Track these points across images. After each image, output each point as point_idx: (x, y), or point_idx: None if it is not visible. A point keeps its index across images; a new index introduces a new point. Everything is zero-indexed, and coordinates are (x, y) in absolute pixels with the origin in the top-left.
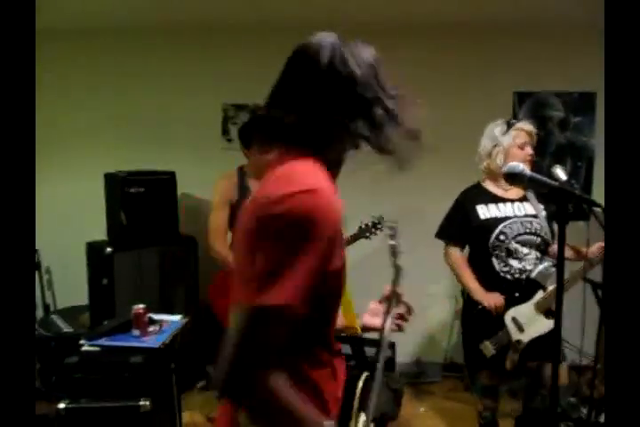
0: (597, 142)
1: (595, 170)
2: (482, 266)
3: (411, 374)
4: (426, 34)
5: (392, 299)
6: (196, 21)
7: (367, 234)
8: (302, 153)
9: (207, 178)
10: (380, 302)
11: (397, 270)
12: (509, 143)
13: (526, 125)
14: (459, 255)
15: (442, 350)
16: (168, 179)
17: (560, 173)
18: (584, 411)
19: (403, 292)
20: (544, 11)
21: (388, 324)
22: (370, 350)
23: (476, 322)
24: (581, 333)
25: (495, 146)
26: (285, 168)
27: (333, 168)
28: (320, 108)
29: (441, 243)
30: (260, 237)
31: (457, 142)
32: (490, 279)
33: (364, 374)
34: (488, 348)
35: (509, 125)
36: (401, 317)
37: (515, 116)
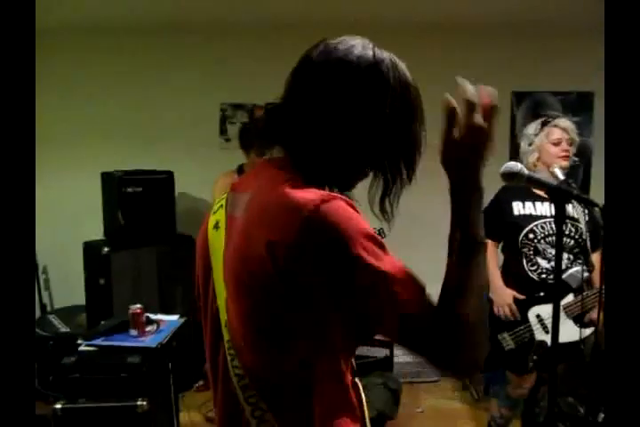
0: (595, 142)
1: (593, 169)
2: (510, 263)
3: (409, 373)
4: (423, 33)
5: None
6: (194, 21)
7: None
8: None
9: (205, 177)
10: None
11: None
12: (542, 141)
13: (562, 122)
14: (491, 250)
15: None
16: (165, 178)
17: (558, 172)
18: (582, 410)
19: None
20: (542, 10)
21: None
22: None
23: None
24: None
25: (530, 145)
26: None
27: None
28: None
29: (436, 244)
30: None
31: None
32: (516, 277)
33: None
34: (507, 340)
35: (544, 124)
36: None
37: (512, 117)
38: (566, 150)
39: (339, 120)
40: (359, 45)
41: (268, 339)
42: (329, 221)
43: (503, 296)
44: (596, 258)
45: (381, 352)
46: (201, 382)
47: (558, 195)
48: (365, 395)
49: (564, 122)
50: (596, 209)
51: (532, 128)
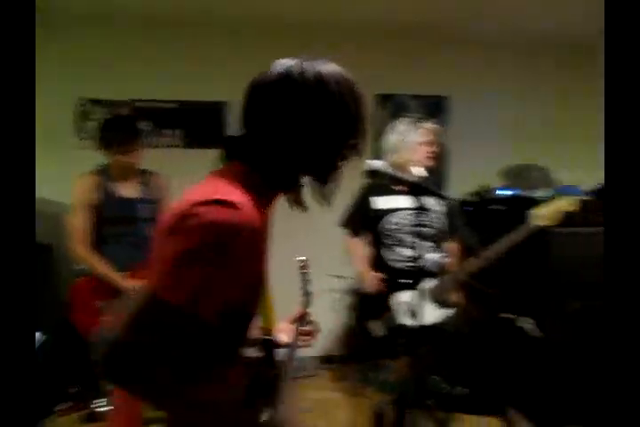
0: (450, 143)
1: (448, 168)
2: (375, 253)
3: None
4: (286, 33)
5: (301, 320)
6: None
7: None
8: (247, 170)
9: (61, 178)
10: (291, 322)
11: (307, 296)
12: (415, 140)
13: (430, 124)
14: (354, 242)
15: (319, 344)
16: None
17: (420, 170)
18: (446, 386)
19: (311, 314)
20: (403, 17)
21: (296, 341)
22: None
23: (366, 303)
24: None
25: (402, 141)
26: (218, 178)
27: (285, 189)
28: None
29: (316, 240)
30: (171, 233)
31: None
32: (381, 266)
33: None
34: (376, 328)
35: (414, 124)
36: (308, 333)
37: (375, 118)
38: (433, 151)
39: (291, 133)
40: (298, 65)
41: None
42: (194, 220)
43: (371, 277)
44: (451, 245)
45: (259, 352)
46: (64, 406)
47: (417, 190)
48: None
49: (433, 125)
50: (450, 202)
51: (403, 127)
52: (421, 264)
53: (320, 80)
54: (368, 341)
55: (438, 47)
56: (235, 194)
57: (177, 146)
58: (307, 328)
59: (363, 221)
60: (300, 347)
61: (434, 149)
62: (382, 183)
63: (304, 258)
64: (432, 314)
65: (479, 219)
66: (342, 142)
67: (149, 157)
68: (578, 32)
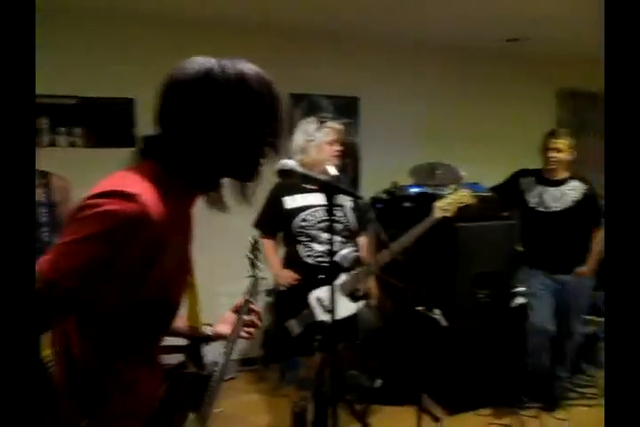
0: (361, 142)
1: (360, 166)
2: (289, 251)
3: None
4: (203, 32)
5: (243, 308)
6: None
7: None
8: (159, 168)
9: None
10: (234, 311)
11: (254, 281)
12: (322, 139)
13: (336, 125)
14: (268, 243)
15: (237, 346)
16: None
17: (330, 169)
18: (364, 380)
19: (255, 302)
20: (316, 15)
21: (238, 332)
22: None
23: (283, 302)
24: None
25: (310, 141)
26: (125, 173)
27: (203, 189)
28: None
29: (232, 243)
30: (69, 223)
31: None
32: (295, 264)
33: (192, 373)
34: (294, 326)
35: (322, 123)
36: (251, 324)
37: (291, 117)
38: (339, 150)
39: (211, 132)
40: (218, 63)
41: None
42: (90, 210)
43: (284, 274)
44: (362, 240)
45: (175, 359)
46: None
47: (328, 189)
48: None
49: (338, 125)
50: (360, 199)
51: (312, 126)
52: (334, 259)
53: (242, 79)
54: (286, 340)
55: (351, 48)
56: (136, 187)
57: (78, 145)
58: (249, 318)
59: (275, 220)
60: (241, 338)
61: (340, 148)
62: (293, 182)
63: (256, 238)
64: (345, 307)
65: (391, 216)
66: (261, 141)
67: (49, 157)
68: (486, 35)
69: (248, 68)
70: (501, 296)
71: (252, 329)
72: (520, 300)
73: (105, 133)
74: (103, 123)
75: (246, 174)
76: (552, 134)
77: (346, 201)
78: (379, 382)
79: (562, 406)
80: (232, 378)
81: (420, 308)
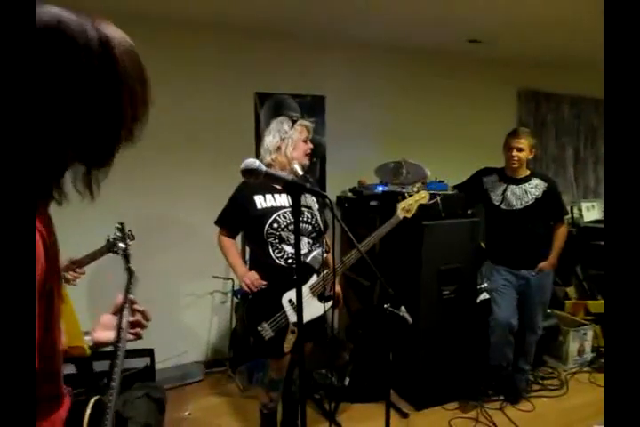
0: (328, 140)
1: (327, 165)
2: (257, 253)
3: (173, 378)
4: (166, 31)
5: (124, 308)
6: None
7: (115, 249)
8: None
9: None
10: (114, 313)
11: (130, 275)
12: (297, 137)
13: (308, 123)
14: (228, 240)
15: (204, 348)
16: None
17: (297, 168)
18: (333, 379)
19: (135, 298)
20: (285, 18)
21: (124, 336)
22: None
23: (254, 305)
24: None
25: (284, 139)
26: None
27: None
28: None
29: (198, 243)
30: None
31: (204, 141)
32: (265, 266)
33: (93, 399)
34: (267, 330)
35: (294, 122)
36: (137, 324)
37: (257, 115)
38: (311, 148)
39: (62, 106)
40: (75, 20)
41: None
42: None
43: (249, 276)
44: (329, 240)
45: (141, 362)
46: None
47: (293, 188)
48: (127, 410)
49: (309, 123)
50: (326, 199)
51: (285, 125)
52: (303, 260)
53: (106, 46)
54: (258, 342)
55: (316, 48)
56: None
57: None
58: (134, 318)
59: (241, 219)
60: (129, 340)
61: (311, 146)
62: (259, 182)
63: (121, 223)
64: (315, 308)
65: (357, 214)
66: (121, 125)
67: None
68: (448, 37)
69: (115, 33)
70: (466, 292)
71: (138, 330)
72: (484, 295)
73: None
74: None
75: (97, 161)
76: (513, 134)
77: (313, 202)
78: (347, 380)
79: (525, 398)
80: (201, 380)
81: (386, 305)
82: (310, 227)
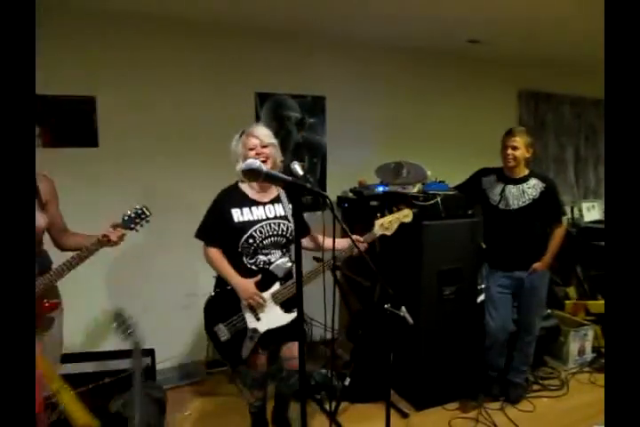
0: (328, 141)
1: (327, 165)
2: (230, 260)
3: (173, 378)
4: (168, 32)
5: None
6: None
7: (132, 225)
8: None
9: None
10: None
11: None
12: (241, 151)
13: (254, 130)
14: (216, 252)
15: (204, 348)
16: None
17: (297, 168)
18: (334, 379)
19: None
20: (273, 18)
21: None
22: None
23: (213, 305)
24: (324, 312)
25: (235, 157)
26: None
27: None
28: None
29: (198, 243)
30: None
31: (204, 141)
32: (237, 267)
33: None
34: (223, 331)
35: (241, 134)
36: None
37: (257, 115)
38: (260, 153)
39: None
40: None
41: None
42: None
43: (246, 287)
44: (319, 237)
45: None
46: None
47: (294, 188)
48: (127, 410)
49: (257, 130)
50: (327, 200)
51: (234, 140)
52: (269, 269)
53: None
54: (215, 343)
55: (316, 48)
56: None
57: (37, 145)
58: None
59: (220, 230)
60: None
61: (260, 150)
62: (237, 194)
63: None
64: (277, 317)
65: (357, 214)
66: None
67: None
68: (447, 37)
69: None
70: (466, 293)
71: None
72: (484, 296)
73: (64, 133)
74: (63, 122)
75: None
76: (508, 133)
77: (288, 211)
78: (347, 380)
79: (526, 399)
80: (200, 381)
81: (386, 305)
82: (285, 240)
